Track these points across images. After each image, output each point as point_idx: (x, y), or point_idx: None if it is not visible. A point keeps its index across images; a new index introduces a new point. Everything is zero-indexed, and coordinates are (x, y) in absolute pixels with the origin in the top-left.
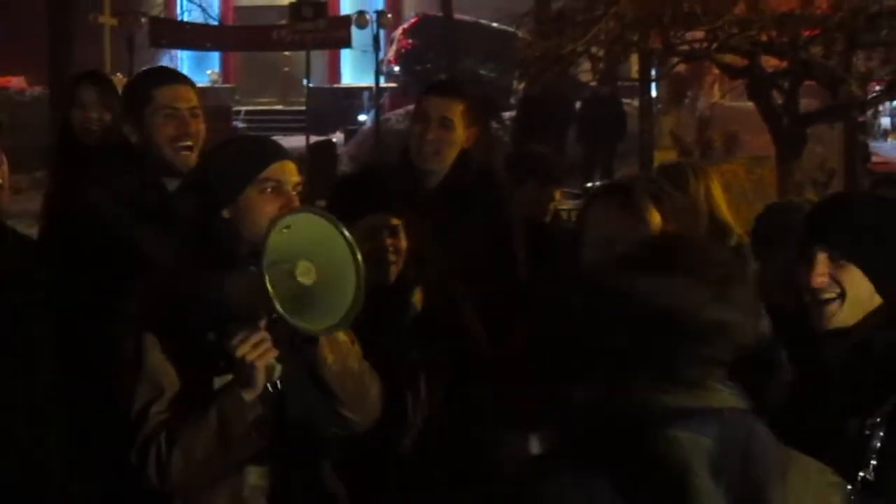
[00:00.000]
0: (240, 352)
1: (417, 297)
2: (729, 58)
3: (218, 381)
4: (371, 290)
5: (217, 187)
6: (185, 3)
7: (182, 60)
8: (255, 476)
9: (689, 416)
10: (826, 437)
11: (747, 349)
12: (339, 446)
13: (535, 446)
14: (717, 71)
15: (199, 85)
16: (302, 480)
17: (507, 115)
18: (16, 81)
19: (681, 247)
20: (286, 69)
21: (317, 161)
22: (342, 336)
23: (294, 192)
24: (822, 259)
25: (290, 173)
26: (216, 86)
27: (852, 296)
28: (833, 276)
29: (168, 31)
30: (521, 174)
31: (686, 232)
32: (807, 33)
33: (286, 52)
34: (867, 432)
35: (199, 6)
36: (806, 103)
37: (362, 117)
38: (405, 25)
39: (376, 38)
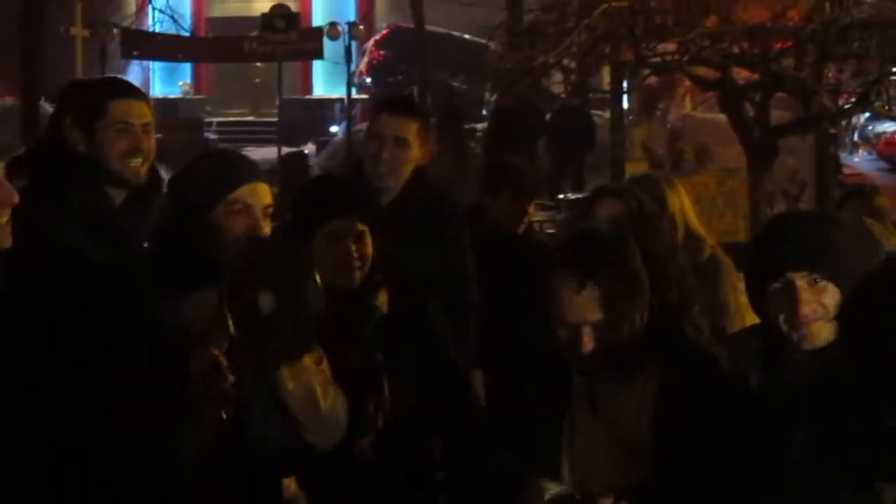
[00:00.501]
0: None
1: (382, 300)
2: (700, 70)
3: None
4: (336, 293)
5: (187, 203)
6: (156, 14)
7: (154, 71)
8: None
9: None
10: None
11: None
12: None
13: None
14: (688, 83)
15: (171, 96)
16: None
17: (479, 126)
18: None
19: None
20: (258, 80)
21: (288, 172)
22: (306, 360)
23: (263, 216)
24: (803, 286)
25: (261, 195)
26: (188, 97)
27: (832, 313)
28: (818, 300)
29: (140, 42)
30: (494, 186)
31: (666, 242)
32: (778, 45)
33: (258, 64)
34: None
35: (171, 17)
36: (777, 115)
37: (334, 129)
38: (377, 37)
39: (348, 50)
